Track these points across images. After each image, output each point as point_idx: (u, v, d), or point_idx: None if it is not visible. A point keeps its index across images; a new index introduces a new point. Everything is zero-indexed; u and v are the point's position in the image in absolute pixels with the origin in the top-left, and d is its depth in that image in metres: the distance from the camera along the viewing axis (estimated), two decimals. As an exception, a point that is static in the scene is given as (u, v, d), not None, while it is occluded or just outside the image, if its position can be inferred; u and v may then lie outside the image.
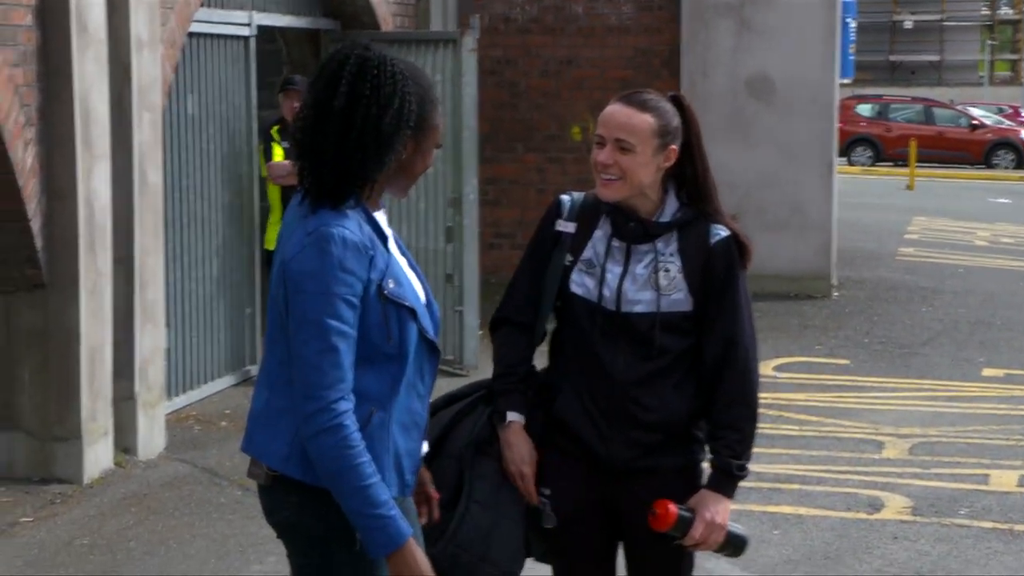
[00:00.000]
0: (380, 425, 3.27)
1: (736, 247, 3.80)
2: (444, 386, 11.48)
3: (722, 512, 3.77)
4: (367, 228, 3.26)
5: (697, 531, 3.74)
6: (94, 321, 7.55)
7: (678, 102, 3.85)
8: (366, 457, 3.17)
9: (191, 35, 9.11)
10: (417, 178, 3.41)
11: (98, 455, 7.60)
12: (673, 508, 3.73)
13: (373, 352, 3.24)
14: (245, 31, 9.95)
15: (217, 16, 9.58)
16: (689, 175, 3.83)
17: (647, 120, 3.75)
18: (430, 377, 3.41)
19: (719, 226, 3.81)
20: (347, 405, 3.18)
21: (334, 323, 3.17)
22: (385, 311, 3.24)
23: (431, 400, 3.56)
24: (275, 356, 3.32)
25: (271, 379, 3.33)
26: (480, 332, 10.62)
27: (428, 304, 3.43)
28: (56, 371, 7.47)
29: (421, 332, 3.32)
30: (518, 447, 3.82)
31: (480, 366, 10.26)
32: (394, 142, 3.24)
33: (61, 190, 7.40)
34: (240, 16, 9.90)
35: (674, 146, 3.79)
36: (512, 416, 3.85)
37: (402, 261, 3.40)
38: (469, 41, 10.24)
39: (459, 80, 10.26)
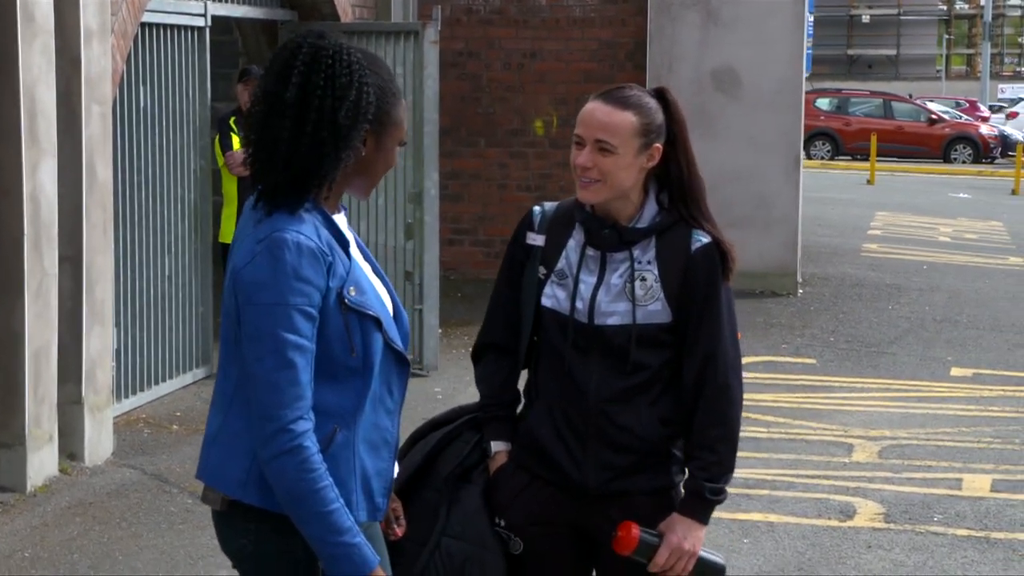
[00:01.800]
0: (344, 444, 3.04)
1: (719, 255, 3.56)
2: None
3: (692, 538, 3.53)
4: (325, 232, 3.02)
5: (662, 557, 3.51)
6: (39, 322, 7.27)
7: (662, 96, 3.61)
8: (328, 481, 2.94)
9: (144, 25, 8.85)
10: (379, 178, 3.16)
11: (42, 462, 7.32)
12: (636, 531, 3.50)
13: (335, 366, 3.01)
14: (200, 21, 9.69)
15: (170, 6, 9.32)
16: (674, 175, 3.59)
17: (628, 118, 3.52)
18: (399, 391, 3.18)
19: (700, 232, 3.56)
20: (306, 425, 2.94)
21: (290, 336, 2.93)
22: (347, 321, 3.00)
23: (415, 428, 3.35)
24: (229, 375, 3.08)
25: (226, 400, 3.09)
26: (440, 331, 10.40)
27: (396, 313, 3.20)
28: (-1, 375, 7.20)
29: (387, 343, 3.08)
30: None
31: (441, 366, 10.04)
32: (352, 137, 3.00)
33: (5, 186, 7.13)
34: (195, 6, 9.64)
35: (658, 145, 3.56)
36: (497, 446, 3.66)
37: (366, 267, 3.16)
38: (431, 33, 10.02)
39: (420, 73, 10.05)
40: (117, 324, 8.48)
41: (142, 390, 9.04)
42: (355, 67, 3.01)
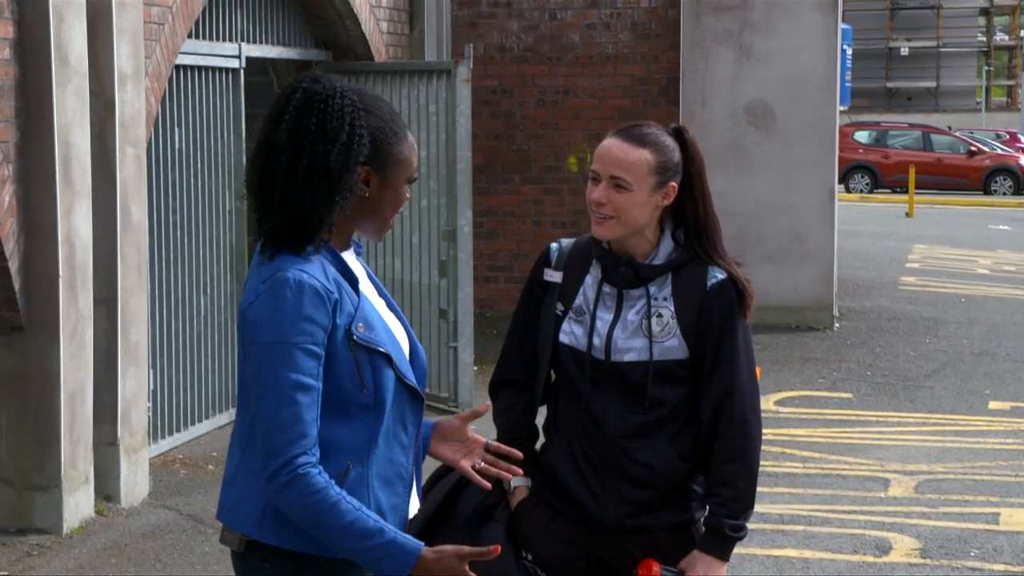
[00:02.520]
0: (358, 480, 3.05)
1: (735, 292, 3.57)
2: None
3: (713, 574, 3.53)
4: (332, 270, 3.05)
5: None
6: (75, 364, 7.32)
7: (680, 135, 3.62)
8: (337, 494, 2.95)
9: (178, 67, 8.92)
10: (390, 217, 3.16)
11: (78, 503, 7.35)
12: (657, 568, 3.50)
13: (347, 402, 3.02)
14: (234, 63, 9.77)
15: (205, 48, 9.40)
16: (689, 214, 3.59)
17: (644, 156, 3.53)
18: (413, 427, 3.17)
19: (716, 268, 3.57)
20: (309, 459, 2.95)
21: (292, 375, 2.95)
22: (357, 357, 3.02)
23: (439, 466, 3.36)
24: (245, 415, 3.10)
25: (243, 440, 3.11)
26: (475, 368, 10.41)
27: (412, 350, 3.21)
28: (35, 416, 7.24)
29: (399, 378, 3.09)
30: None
31: (476, 403, 10.05)
32: (345, 180, 3.01)
33: (40, 229, 7.19)
34: (229, 48, 9.72)
35: (673, 183, 3.57)
36: (516, 482, 3.67)
37: (379, 303, 3.18)
38: (463, 71, 10.07)
39: (453, 111, 10.09)
40: (152, 365, 8.53)
41: (178, 431, 9.08)
42: (348, 110, 3.03)
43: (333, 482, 2.97)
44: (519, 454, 3.35)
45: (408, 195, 3.17)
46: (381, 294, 3.24)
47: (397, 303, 11.06)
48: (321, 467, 2.97)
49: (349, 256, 3.14)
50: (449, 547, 3.03)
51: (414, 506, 3.23)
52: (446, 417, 3.37)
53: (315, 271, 3.01)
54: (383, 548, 2.96)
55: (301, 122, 3.01)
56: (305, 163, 3.00)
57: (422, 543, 3.00)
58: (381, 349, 3.06)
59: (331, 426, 3.01)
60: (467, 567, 3.01)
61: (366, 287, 3.16)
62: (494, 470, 3.32)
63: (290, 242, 3.02)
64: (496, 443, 3.35)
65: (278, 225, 3.03)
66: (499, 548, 3.09)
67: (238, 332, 3.08)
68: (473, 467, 3.31)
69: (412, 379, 3.14)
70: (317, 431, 2.98)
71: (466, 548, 3.04)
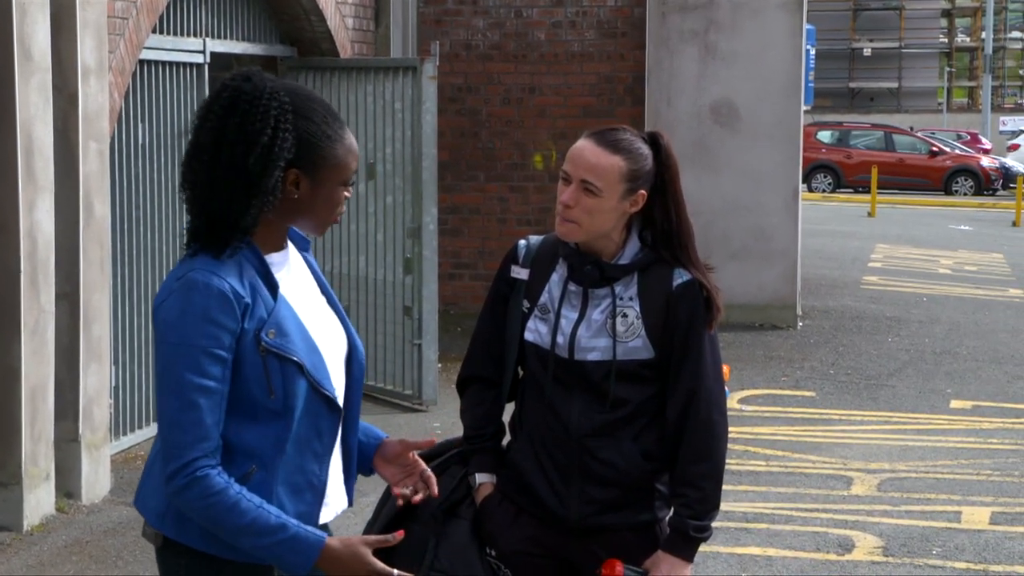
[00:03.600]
0: (261, 484, 3.03)
1: (703, 296, 3.55)
2: (403, 423, 11.23)
3: (676, 575, 3.52)
4: (250, 273, 3.02)
5: None
6: (36, 360, 7.26)
7: (655, 141, 3.59)
8: (236, 493, 2.94)
9: (142, 62, 8.87)
10: (327, 216, 3.11)
11: (39, 500, 7.29)
12: (620, 568, 3.49)
13: (255, 407, 3.00)
14: (199, 58, 9.72)
15: (169, 43, 9.35)
16: (659, 219, 3.57)
17: (616, 163, 3.51)
18: (330, 436, 3.12)
19: (683, 270, 3.56)
20: (208, 462, 2.95)
21: (194, 378, 2.93)
22: (266, 363, 2.99)
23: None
24: None
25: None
26: (439, 365, 10.39)
27: (351, 350, 3.18)
28: (-5, 412, 7.18)
29: (314, 387, 3.05)
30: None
31: (440, 401, 10.03)
32: (263, 184, 2.97)
33: (2, 223, 7.13)
34: (193, 43, 9.66)
35: (643, 191, 3.55)
36: (481, 478, 3.68)
37: (312, 305, 3.14)
38: (429, 68, 10.05)
39: (419, 108, 10.07)
40: (115, 361, 8.47)
41: (140, 427, 9.02)
42: (274, 111, 2.99)
43: (232, 481, 2.96)
44: (433, 483, 3.30)
45: (348, 195, 3.14)
46: (324, 291, 3.21)
47: (361, 300, 10.92)
48: (221, 468, 2.96)
49: (280, 256, 3.12)
50: (355, 537, 3.03)
51: (326, 514, 3.20)
52: (392, 440, 3.33)
53: (228, 274, 2.98)
54: (286, 543, 2.95)
55: (225, 121, 2.99)
56: (224, 164, 2.98)
57: (325, 535, 3.00)
58: (292, 357, 3.02)
59: (238, 429, 3.00)
60: (371, 554, 3.00)
61: (294, 290, 3.12)
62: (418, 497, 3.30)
63: (208, 242, 3.01)
64: (429, 474, 3.31)
65: (199, 224, 3.03)
66: (402, 533, 3.11)
67: (152, 327, 3.07)
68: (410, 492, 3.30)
69: (330, 389, 3.09)
70: (219, 435, 2.97)
71: (372, 537, 3.03)
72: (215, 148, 2.98)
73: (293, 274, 3.14)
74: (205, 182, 3.00)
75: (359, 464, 3.28)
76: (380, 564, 2.99)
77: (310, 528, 3.00)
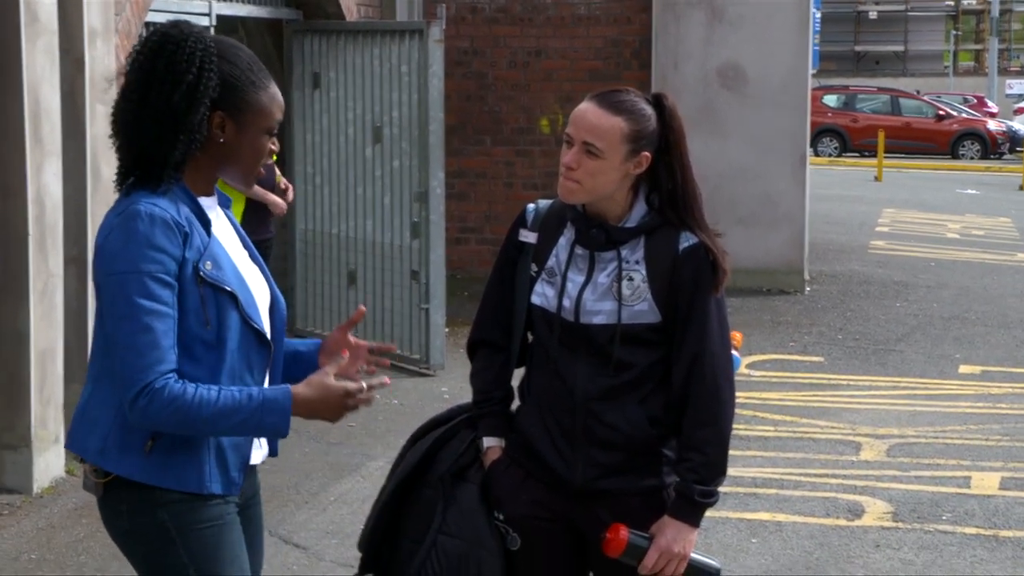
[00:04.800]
0: None
1: (708, 259, 3.53)
2: (410, 387, 11.22)
3: (682, 540, 3.51)
4: (185, 208, 3.13)
5: (651, 559, 3.49)
6: (44, 323, 7.25)
7: (659, 102, 3.57)
8: (194, 390, 3.04)
9: (148, 24, 8.82)
10: (252, 165, 3.23)
11: (48, 463, 7.30)
12: (624, 533, 3.48)
13: (191, 339, 3.10)
14: (204, 20, 9.69)
15: (175, 5, 9.32)
16: (664, 182, 3.55)
17: (618, 124, 3.49)
18: (260, 371, 3.23)
19: (689, 233, 3.53)
20: (164, 382, 3.03)
21: (145, 302, 3.03)
22: (203, 294, 3.10)
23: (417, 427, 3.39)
24: (98, 346, 3.20)
25: (94, 371, 3.21)
26: (447, 330, 10.37)
27: (273, 302, 3.30)
28: (4, 376, 7.17)
29: (245, 320, 3.16)
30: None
31: (447, 365, 10.02)
32: (189, 120, 3.10)
33: (9, 187, 7.11)
34: (199, 5, 9.63)
35: (647, 152, 3.52)
36: (489, 442, 3.68)
37: (238, 253, 3.26)
38: (435, 31, 9.99)
39: (425, 71, 10.02)
40: (123, 325, 8.45)
41: (148, 391, 9.01)
42: (199, 53, 3.13)
43: (186, 382, 3.04)
44: (393, 347, 3.41)
45: (273, 147, 3.26)
46: (246, 246, 3.33)
47: (368, 264, 10.92)
48: (176, 376, 3.04)
49: (210, 202, 3.23)
50: (313, 374, 3.16)
51: (256, 456, 3.29)
52: (330, 334, 3.44)
53: (166, 206, 3.09)
54: (260, 410, 3.07)
55: (154, 63, 3.13)
56: (152, 102, 3.11)
57: (288, 385, 3.12)
58: (227, 288, 3.13)
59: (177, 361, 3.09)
60: (339, 383, 3.13)
61: (221, 233, 3.24)
62: (374, 371, 3.40)
63: (141, 179, 3.13)
64: (377, 343, 3.43)
65: (129, 163, 3.15)
66: (346, 352, 3.27)
67: (92, 267, 3.16)
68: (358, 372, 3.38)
69: (259, 323, 3.20)
70: (175, 358, 3.06)
71: (328, 366, 3.19)
72: (144, 88, 3.12)
73: (220, 220, 3.27)
74: (134, 121, 3.13)
75: (308, 372, 3.32)
76: (349, 383, 3.14)
77: (272, 387, 3.12)
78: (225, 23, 10.30)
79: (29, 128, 7.12)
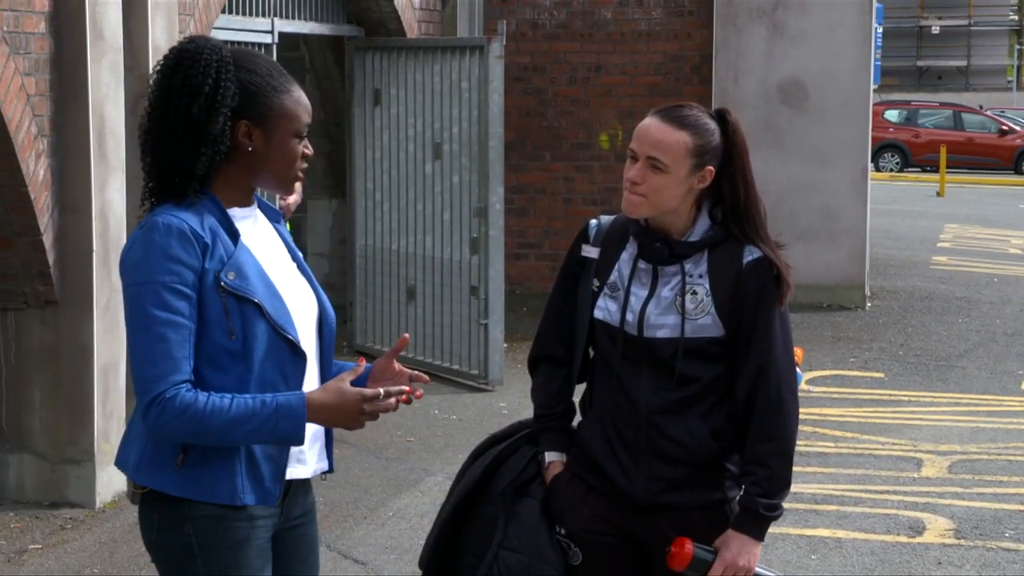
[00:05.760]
0: None
1: (772, 273, 3.53)
2: (469, 402, 11.24)
3: (746, 554, 3.51)
4: (211, 219, 3.13)
5: (716, 573, 3.49)
6: (108, 338, 7.33)
7: (722, 118, 3.58)
8: (206, 398, 3.03)
9: (210, 42, 8.90)
10: (287, 171, 3.21)
11: (111, 478, 7.36)
12: (690, 547, 3.48)
13: (216, 349, 3.10)
14: (267, 38, 9.77)
15: (238, 23, 9.40)
16: (728, 196, 3.56)
17: (683, 139, 3.50)
18: (296, 381, 3.19)
19: (753, 247, 3.54)
20: (176, 391, 3.02)
21: (160, 313, 3.03)
22: (225, 304, 3.09)
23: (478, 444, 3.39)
24: None
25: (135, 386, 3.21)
26: (505, 345, 10.39)
27: (321, 315, 3.27)
28: (68, 391, 7.26)
29: (276, 330, 3.13)
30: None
31: (506, 381, 10.04)
32: (209, 131, 3.11)
33: (74, 203, 7.19)
34: (262, 23, 9.71)
35: (711, 167, 3.53)
36: (551, 456, 3.68)
37: (277, 264, 3.23)
38: (496, 48, 10.03)
39: (486, 87, 10.05)
40: (185, 339, 8.52)
41: (210, 405, 9.08)
42: (215, 64, 3.13)
43: (199, 391, 3.04)
44: (426, 378, 3.35)
45: (306, 151, 3.23)
46: (294, 258, 3.31)
47: (427, 280, 10.97)
48: (188, 386, 3.04)
49: (245, 212, 3.22)
50: (330, 382, 3.13)
51: (303, 471, 3.26)
52: (377, 360, 3.36)
53: (188, 216, 3.10)
54: (274, 415, 3.05)
55: (171, 78, 3.13)
56: (172, 116, 3.11)
57: (302, 391, 3.10)
58: (251, 298, 3.11)
59: (201, 372, 3.09)
60: (350, 384, 3.10)
61: (258, 243, 3.22)
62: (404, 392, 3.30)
63: (165, 193, 3.14)
64: (417, 373, 3.33)
65: (155, 178, 3.16)
66: (363, 360, 3.20)
67: (120, 277, 3.17)
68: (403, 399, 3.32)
69: (292, 333, 3.17)
70: (191, 369, 3.05)
71: (345, 373, 3.14)
72: (163, 103, 3.12)
73: (259, 230, 3.25)
74: (156, 136, 3.13)
75: None
76: (366, 389, 3.10)
77: (286, 393, 3.10)
78: (287, 40, 10.38)
79: (94, 144, 7.21)
